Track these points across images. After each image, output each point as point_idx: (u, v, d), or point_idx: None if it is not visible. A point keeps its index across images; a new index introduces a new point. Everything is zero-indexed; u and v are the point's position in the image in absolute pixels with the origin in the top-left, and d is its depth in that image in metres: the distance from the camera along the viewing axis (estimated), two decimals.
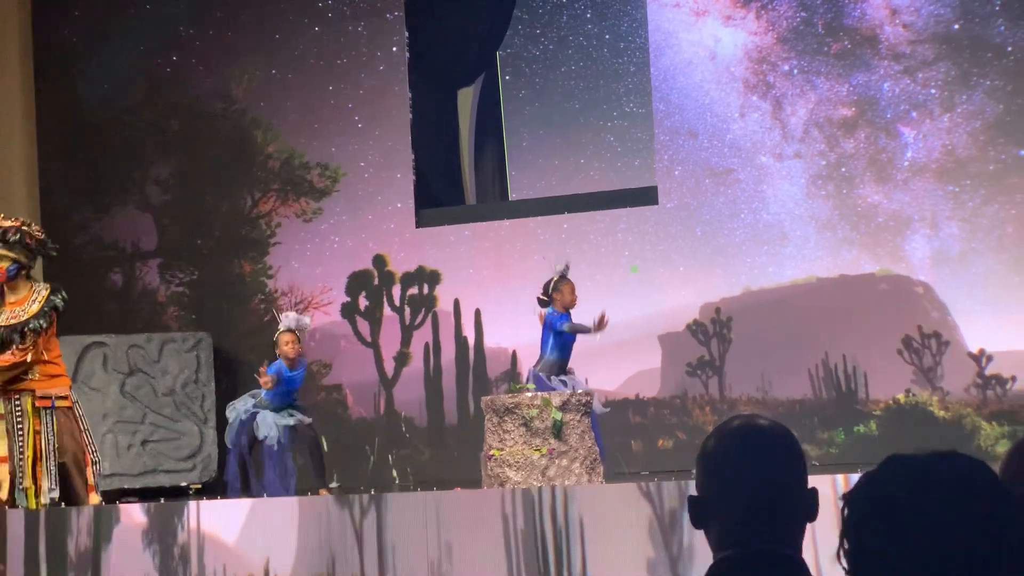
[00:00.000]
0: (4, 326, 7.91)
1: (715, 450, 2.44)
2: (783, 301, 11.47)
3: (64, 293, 8.10)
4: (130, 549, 7.26)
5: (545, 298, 9.63)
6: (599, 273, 11.92)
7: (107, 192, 13.50)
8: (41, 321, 7.88)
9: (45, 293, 7.97)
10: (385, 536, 7.09)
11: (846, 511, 2.11)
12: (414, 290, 12.57)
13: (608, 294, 11.83)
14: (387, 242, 12.67)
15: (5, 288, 7.99)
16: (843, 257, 11.36)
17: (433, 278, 12.51)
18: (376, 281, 12.69)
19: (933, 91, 11.22)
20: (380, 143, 12.74)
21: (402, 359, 12.57)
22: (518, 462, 8.59)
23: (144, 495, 11.34)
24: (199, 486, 12.26)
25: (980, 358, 10.99)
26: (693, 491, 2.48)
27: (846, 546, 2.10)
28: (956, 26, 11.22)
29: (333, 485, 11.93)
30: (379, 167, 12.74)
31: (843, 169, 11.44)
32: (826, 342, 11.30)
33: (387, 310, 12.63)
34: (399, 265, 12.62)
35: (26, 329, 7.85)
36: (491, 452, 8.71)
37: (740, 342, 11.55)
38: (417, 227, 12.57)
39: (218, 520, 7.33)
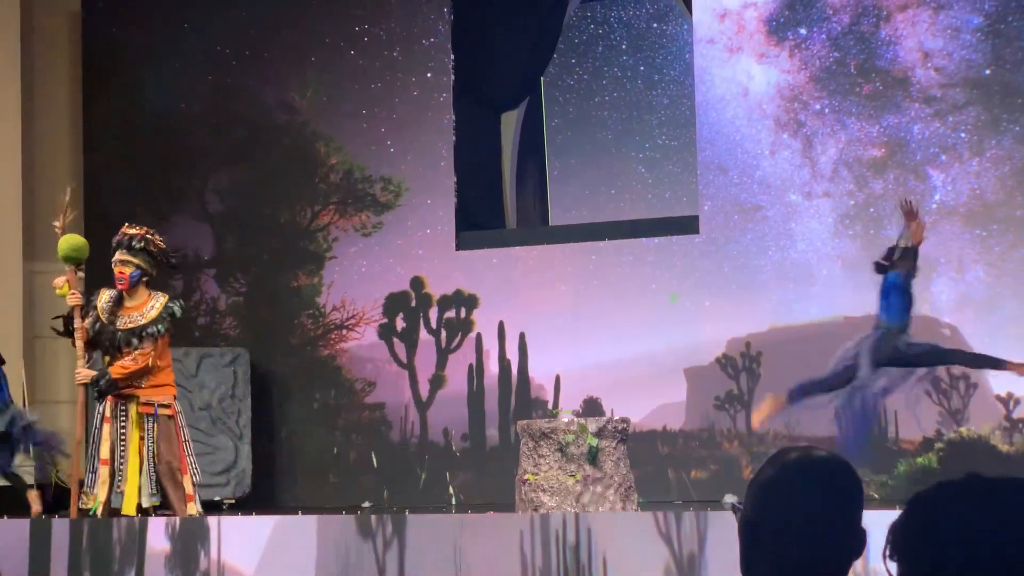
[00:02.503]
0: (122, 329, 8.06)
1: (774, 479, 2.44)
2: (810, 339, 11.44)
3: (182, 302, 8.26)
4: (155, 565, 7.37)
5: (885, 263, 9.75)
6: (624, 305, 11.99)
7: (166, 200, 13.65)
8: (159, 327, 8.06)
9: (163, 300, 8.14)
10: (406, 560, 7.16)
11: (895, 536, 2.18)
12: (451, 313, 12.67)
13: (633, 326, 11.90)
14: (425, 264, 12.78)
15: (124, 293, 8.14)
16: (869, 297, 11.30)
17: (471, 302, 12.60)
18: (413, 303, 12.80)
19: (963, 135, 11.19)
20: (421, 165, 12.84)
21: (437, 382, 12.68)
22: (552, 487, 8.66)
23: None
24: (232, 501, 12.39)
25: (1008, 401, 10.96)
26: (737, 506, 2.51)
27: (893, 572, 2.17)
28: (987, 71, 11.17)
29: (365, 505, 12.06)
30: (419, 190, 12.84)
31: (871, 209, 11.42)
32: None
33: (423, 332, 12.73)
34: (437, 288, 12.72)
35: (144, 333, 7.99)
36: (526, 476, 8.78)
37: (767, 378, 11.57)
38: (457, 250, 12.66)
39: (240, 540, 7.41)
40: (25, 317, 13.44)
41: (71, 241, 8.31)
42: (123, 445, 8.07)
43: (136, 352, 8.05)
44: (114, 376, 8.08)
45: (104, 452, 8.09)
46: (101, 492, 8.07)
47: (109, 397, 8.14)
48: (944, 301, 11.21)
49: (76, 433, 8.67)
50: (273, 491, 12.95)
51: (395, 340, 12.81)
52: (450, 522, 7.54)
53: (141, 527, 7.38)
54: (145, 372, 8.06)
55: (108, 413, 8.13)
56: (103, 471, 8.09)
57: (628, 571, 6.72)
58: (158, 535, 7.56)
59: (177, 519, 7.79)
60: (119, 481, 8.07)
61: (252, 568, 7.56)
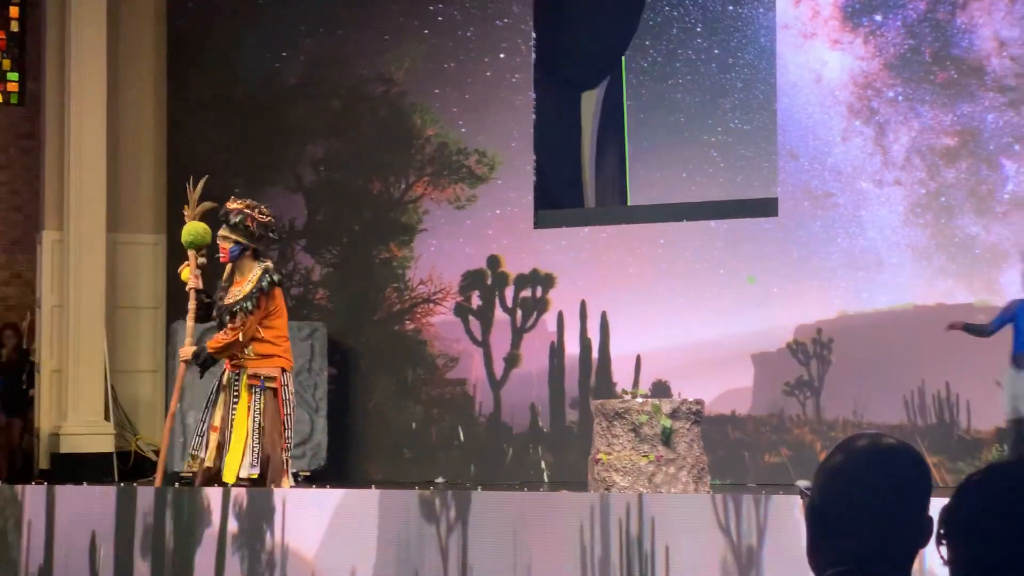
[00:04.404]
0: (224, 305, 8.22)
1: (841, 465, 2.43)
2: (879, 327, 11.40)
3: (273, 276, 8.20)
4: (227, 533, 7.49)
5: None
6: (691, 288, 12.00)
7: (259, 171, 13.78)
8: (247, 303, 8.05)
9: (258, 274, 8.21)
10: (468, 538, 7.25)
11: (946, 520, 2.21)
12: (527, 292, 12.75)
13: (700, 311, 11.92)
14: (498, 243, 12.86)
15: (234, 268, 8.29)
16: (938, 287, 11.26)
17: (547, 281, 12.66)
18: (489, 281, 12.89)
19: None
20: (500, 144, 12.90)
21: (512, 360, 12.77)
22: (625, 467, 8.71)
23: (254, 481, 11.67)
24: (307, 473, 12.54)
25: None
26: (807, 491, 2.50)
27: (946, 556, 2.20)
28: None
29: (438, 480, 12.18)
30: (498, 168, 12.90)
31: (942, 199, 11.31)
32: (923, 370, 11.20)
33: (499, 311, 12.82)
34: (513, 266, 12.80)
35: (235, 310, 8.14)
36: (599, 456, 8.84)
37: (839, 365, 11.55)
38: (535, 228, 12.71)
39: (305, 513, 7.49)
40: (108, 288, 13.71)
41: (190, 228, 8.46)
42: (234, 415, 8.19)
43: (227, 327, 8.19)
44: (209, 350, 8.23)
45: (216, 420, 8.21)
46: (208, 458, 8.20)
47: (227, 367, 8.25)
48: (1014, 292, 11.04)
49: (171, 407, 8.82)
50: (349, 465, 13.11)
51: (471, 318, 12.91)
52: (511, 501, 7.61)
53: (224, 497, 7.51)
54: (237, 345, 8.15)
55: (224, 382, 8.27)
56: (212, 437, 8.21)
57: (688, 558, 6.75)
58: (226, 505, 7.68)
59: (244, 491, 7.91)
60: (227, 450, 8.19)
61: (317, 540, 7.68)
